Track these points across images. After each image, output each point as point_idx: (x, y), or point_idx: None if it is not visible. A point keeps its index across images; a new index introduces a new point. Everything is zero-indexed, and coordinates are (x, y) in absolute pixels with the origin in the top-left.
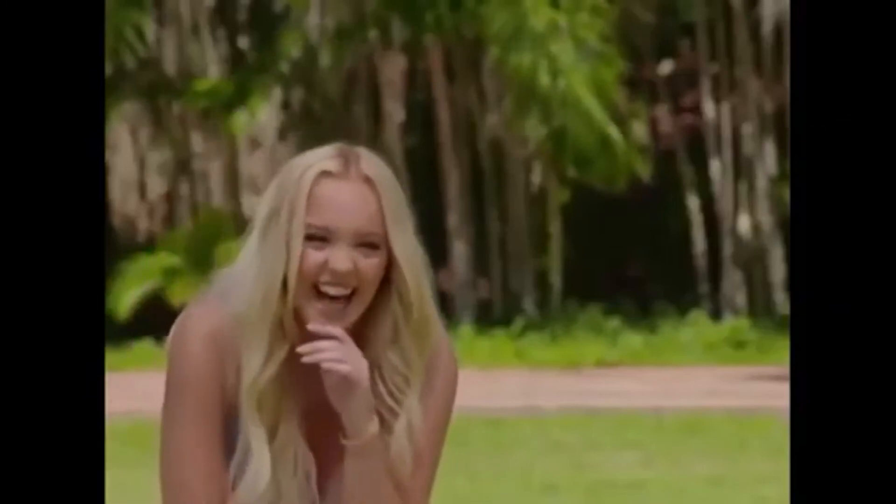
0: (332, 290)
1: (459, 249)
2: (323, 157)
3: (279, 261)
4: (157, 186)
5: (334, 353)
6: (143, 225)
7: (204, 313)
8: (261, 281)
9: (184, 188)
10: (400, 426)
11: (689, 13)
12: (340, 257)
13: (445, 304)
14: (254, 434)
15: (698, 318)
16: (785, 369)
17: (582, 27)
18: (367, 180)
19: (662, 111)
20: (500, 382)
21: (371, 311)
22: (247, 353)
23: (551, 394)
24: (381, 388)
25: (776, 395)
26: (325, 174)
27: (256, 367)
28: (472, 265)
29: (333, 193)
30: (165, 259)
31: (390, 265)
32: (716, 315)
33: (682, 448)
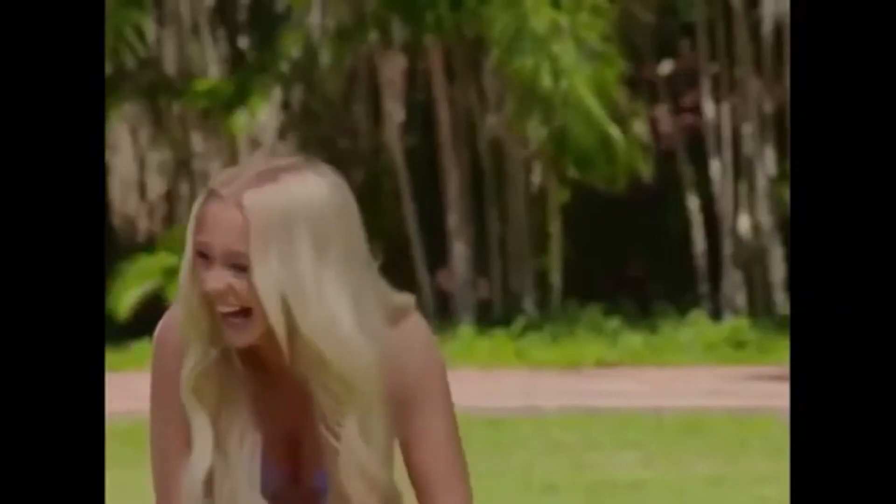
0: (222, 308)
1: (459, 249)
2: (223, 175)
3: (184, 271)
4: (157, 186)
5: None
6: (143, 225)
7: (171, 313)
8: (179, 292)
9: (184, 188)
10: (343, 458)
11: (689, 13)
12: (211, 276)
13: (445, 304)
14: (194, 418)
15: (698, 318)
16: (785, 369)
17: (583, 27)
18: (238, 202)
19: (662, 111)
20: (500, 382)
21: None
22: (188, 348)
23: (551, 394)
24: (319, 419)
25: (776, 395)
26: (212, 192)
27: (189, 365)
28: (472, 265)
29: (210, 212)
30: (165, 259)
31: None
32: (716, 315)
33: (682, 448)
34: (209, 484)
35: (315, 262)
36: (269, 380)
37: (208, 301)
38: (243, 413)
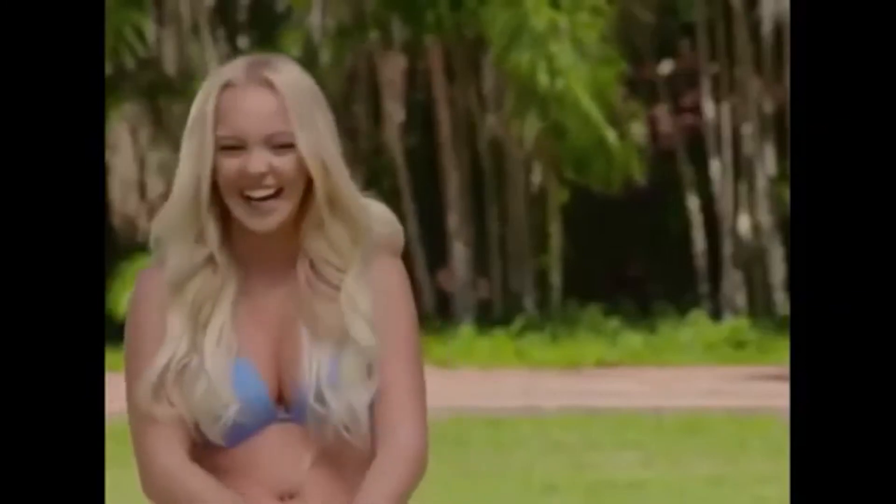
0: (255, 193)
1: (459, 249)
2: (230, 69)
3: (194, 172)
4: (157, 186)
5: None
6: (143, 225)
7: (149, 270)
8: (180, 186)
9: None
10: (344, 305)
11: (689, 13)
12: (253, 161)
13: (445, 304)
14: (172, 318)
15: (698, 318)
16: (785, 369)
17: (582, 28)
18: (269, 84)
19: (662, 111)
20: (500, 382)
21: (301, 207)
22: (170, 250)
23: (551, 394)
24: (319, 279)
25: (776, 395)
26: (229, 85)
27: (175, 264)
28: (472, 265)
29: (236, 102)
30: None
31: (305, 162)
32: (716, 315)
33: (682, 448)
34: (180, 381)
35: (333, 133)
36: (251, 287)
37: (233, 191)
38: (222, 315)
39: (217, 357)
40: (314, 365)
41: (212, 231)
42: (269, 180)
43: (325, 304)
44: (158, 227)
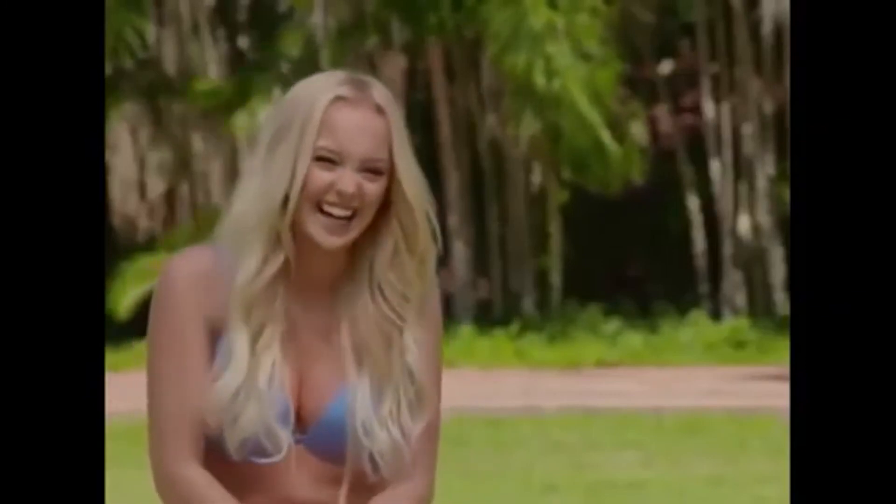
0: (335, 211)
1: (459, 249)
2: (336, 82)
3: (284, 176)
4: (157, 186)
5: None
6: (143, 225)
7: (190, 253)
8: (264, 192)
9: (184, 188)
10: (408, 338)
11: (689, 13)
12: (347, 180)
13: (445, 304)
14: (237, 337)
15: (698, 318)
16: (785, 369)
17: (579, 29)
18: (379, 109)
19: (662, 111)
20: (500, 382)
21: (372, 233)
22: (243, 258)
23: (551, 394)
24: (384, 306)
25: (776, 395)
26: (340, 99)
27: (250, 272)
28: (472, 265)
29: (346, 119)
30: (165, 259)
31: (392, 190)
32: (716, 315)
33: (682, 448)
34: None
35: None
36: (303, 304)
37: (313, 202)
38: (276, 347)
39: (266, 393)
40: (359, 394)
41: (289, 239)
42: (355, 202)
43: (383, 332)
44: (229, 230)
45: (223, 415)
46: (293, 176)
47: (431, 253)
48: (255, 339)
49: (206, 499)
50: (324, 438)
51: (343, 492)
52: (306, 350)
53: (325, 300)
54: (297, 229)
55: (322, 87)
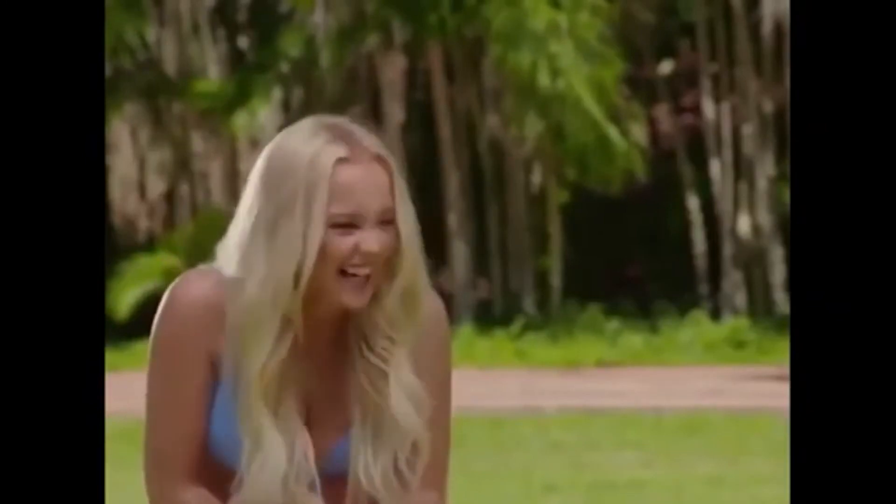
0: (360, 271)
1: (459, 249)
2: (327, 140)
3: (293, 254)
4: (157, 186)
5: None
6: (143, 225)
7: (196, 278)
8: (273, 276)
9: (184, 188)
10: (392, 381)
11: (689, 13)
12: (371, 240)
13: (445, 304)
14: (264, 423)
15: (698, 318)
16: (785, 369)
17: (582, 27)
18: (379, 159)
19: (662, 111)
20: (500, 382)
21: None
22: (254, 343)
23: (551, 394)
24: (367, 352)
25: (776, 395)
26: (341, 160)
27: (265, 356)
28: (472, 265)
29: (355, 179)
30: (165, 259)
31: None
32: (716, 315)
33: (682, 448)
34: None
35: None
36: (307, 364)
37: (337, 268)
38: (295, 407)
39: (303, 466)
40: (359, 442)
41: (299, 317)
42: (379, 259)
43: (371, 381)
44: (244, 317)
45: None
46: (305, 251)
47: (423, 293)
48: (277, 416)
49: None
50: (325, 484)
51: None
52: (305, 398)
53: (325, 357)
54: (318, 299)
55: (316, 149)
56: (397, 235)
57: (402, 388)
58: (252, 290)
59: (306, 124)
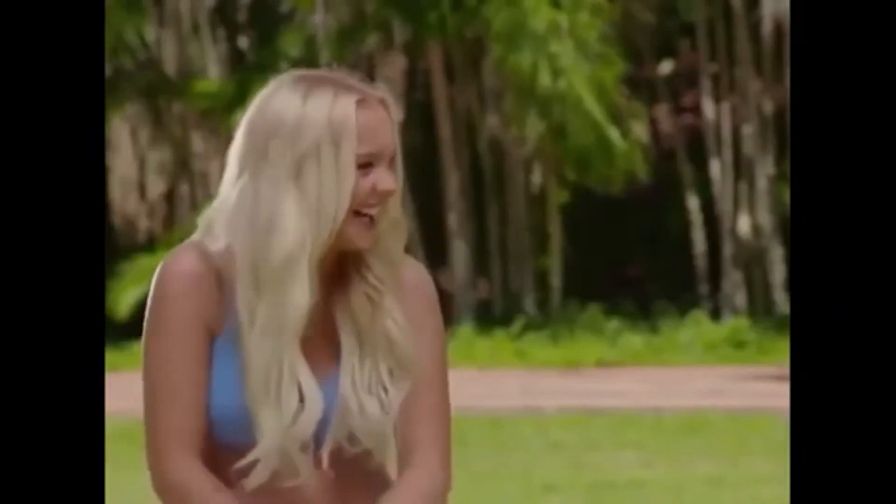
0: (372, 211)
1: (459, 249)
2: (334, 90)
3: (329, 199)
4: (157, 186)
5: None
6: (143, 225)
7: (180, 254)
8: (310, 223)
9: (184, 188)
10: (388, 301)
11: (689, 13)
12: (388, 179)
13: (445, 304)
14: (301, 371)
15: (698, 318)
16: (785, 369)
17: (582, 27)
18: (382, 101)
19: (662, 111)
20: (500, 382)
21: None
22: (292, 292)
23: (551, 394)
24: (360, 282)
25: (776, 395)
26: (360, 102)
27: (303, 304)
28: (472, 265)
29: (372, 119)
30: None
31: None
32: (716, 315)
33: (682, 448)
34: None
35: None
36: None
37: (359, 205)
38: (302, 358)
39: (292, 405)
40: (348, 371)
41: (322, 259)
42: (390, 196)
43: (370, 299)
44: (280, 268)
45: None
46: (340, 194)
47: (403, 223)
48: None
49: (202, 494)
50: (320, 438)
51: (324, 463)
52: (313, 353)
53: (329, 303)
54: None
55: (330, 97)
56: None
57: (389, 315)
58: (287, 239)
59: (290, 80)
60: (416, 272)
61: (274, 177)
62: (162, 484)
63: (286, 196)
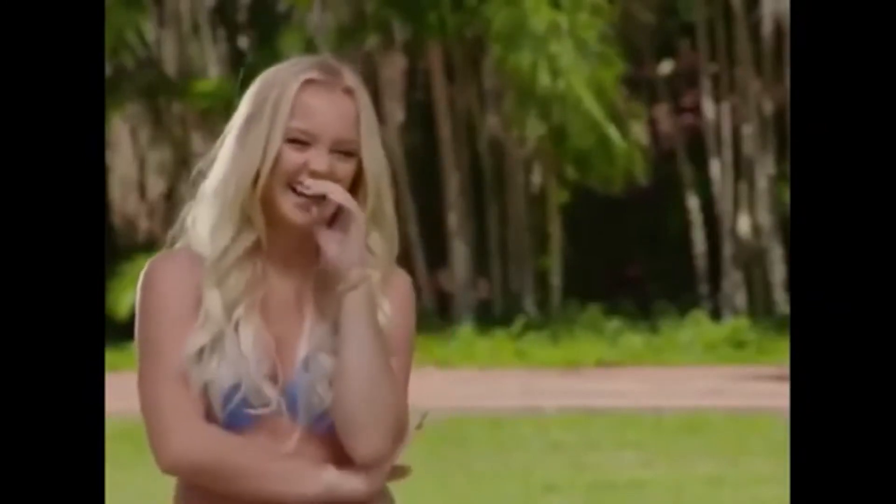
0: (307, 190)
1: (459, 249)
2: (307, 66)
3: (255, 156)
4: (157, 186)
5: (339, 191)
6: (143, 225)
7: (167, 254)
8: (236, 172)
9: (184, 188)
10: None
11: (689, 13)
12: (319, 160)
13: (445, 304)
14: (210, 302)
15: (698, 318)
16: (785, 369)
17: (582, 27)
18: (349, 91)
19: (662, 111)
20: (500, 382)
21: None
22: (214, 234)
23: (551, 394)
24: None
25: (776, 395)
26: (311, 82)
27: (220, 247)
28: (472, 265)
29: (317, 101)
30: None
31: (358, 171)
32: (716, 315)
33: (682, 448)
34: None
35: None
36: (281, 279)
37: (285, 182)
38: (257, 307)
39: (252, 354)
40: (320, 352)
41: (259, 218)
42: (324, 178)
43: (332, 284)
44: (200, 210)
45: (200, 371)
46: (264, 156)
47: (393, 227)
48: (230, 306)
49: (236, 450)
50: (292, 400)
51: (293, 440)
52: (280, 317)
53: (300, 275)
54: (270, 209)
55: (293, 70)
56: (362, 169)
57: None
58: (215, 181)
59: (301, 57)
60: (399, 277)
61: (229, 136)
62: (185, 456)
63: (227, 150)
